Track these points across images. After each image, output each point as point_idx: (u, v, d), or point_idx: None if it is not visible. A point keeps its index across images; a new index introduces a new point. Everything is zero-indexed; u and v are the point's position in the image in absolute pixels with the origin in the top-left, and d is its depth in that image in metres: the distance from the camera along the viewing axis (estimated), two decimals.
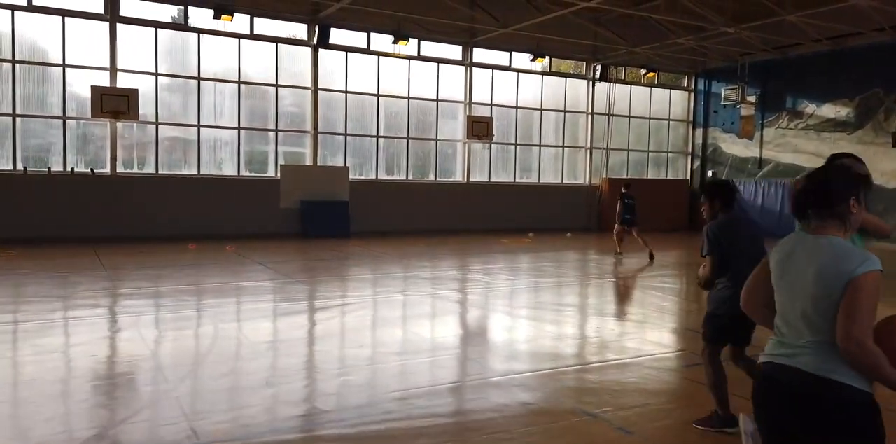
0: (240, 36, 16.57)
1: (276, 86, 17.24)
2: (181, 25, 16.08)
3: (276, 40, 17.06)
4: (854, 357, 2.10)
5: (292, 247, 14.77)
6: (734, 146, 22.22)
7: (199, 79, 16.35)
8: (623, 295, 9.41)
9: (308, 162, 17.87)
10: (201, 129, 16.54)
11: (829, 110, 19.25)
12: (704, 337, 4.25)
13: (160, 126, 16.13)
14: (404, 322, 7.54)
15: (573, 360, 5.83)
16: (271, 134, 17.51)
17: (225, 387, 4.85)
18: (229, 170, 17.05)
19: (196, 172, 16.57)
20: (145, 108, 15.52)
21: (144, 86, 15.56)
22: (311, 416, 4.27)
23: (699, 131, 23.40)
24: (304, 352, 6.00)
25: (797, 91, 20.11)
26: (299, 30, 17.37)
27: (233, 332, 6.63)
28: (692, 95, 23.57)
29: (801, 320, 2.25)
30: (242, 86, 16.88)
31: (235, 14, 15.66)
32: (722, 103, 21.92)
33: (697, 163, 23.47)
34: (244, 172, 17.23)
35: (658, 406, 4.63)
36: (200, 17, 15.96)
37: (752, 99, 21.10)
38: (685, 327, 7.39)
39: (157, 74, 15.93)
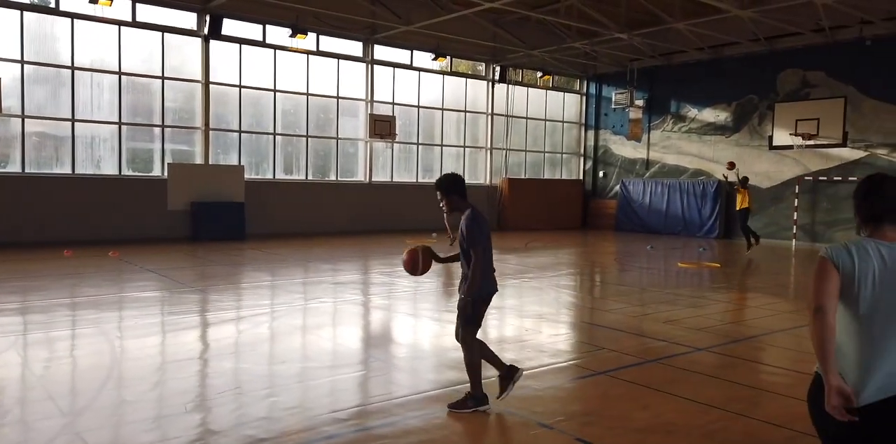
0: (120, 23, 15.19)
1: (163, 78, 15.98)
2: (50, 9, 14.49)
3: (162, 29, 15.80)
4: None
5: (184, 252, 13.70)
6: (623, 148, 23.23)
7: (72, 68, 14.82)
8: (537, 295, 9.41)
9: (198, 160, 16.71)
10: (76, 123, 15.00)
11: (710, 115, 20.56)
12: (466, 320, 4.37)
13: (26, 120, 14.46)
14: (324, 332, 7.07)
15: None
16: (157, 130, 16.20)
17: (137, 417, 4.22)
18: (109, 169, 15.60)
19: (70, 172, 15.01)
20: (9, 99, 13.85)
21: (8, 75, 13.87)
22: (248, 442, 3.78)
23: (591, 133, 24.27)
24: (222, 370, 5.41)
25: (681, 96, 21.32)
26: (188, 19, 16.18)
27: (134, 351, 5.89)
28: (584, 98, 24.41)
29: None
30: (123, 77, 15.48)
31: None
32: (612, 107, 22.84)
33: (590, 164, 24.34)
34: (126, 172, 15.83)
35: (607, 413, 4.52)
36: (74, 0, 14.46)
37: (639, 103, 22.14)
38: (607, 325, 7.44)
39: (22, 62, 14.26)
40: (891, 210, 2.35)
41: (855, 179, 17.26)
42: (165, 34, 15.86)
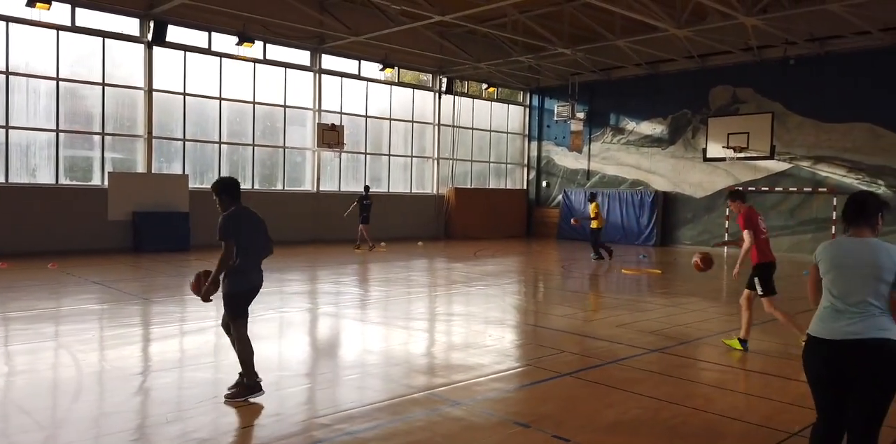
0: (59, 27, 14.69)
1: (103, 85, 15.52)
2: None
3: (104, 34, 15.37)
4: None
5: (127, 263, 13.31)
6: (565, 158, 23.94)
7: (6, 73, 14.23)
8: (494, 301, 9.66)
9: (141, 169, 16.28)
10: (10, 130, 14.39)
11: (647, 128, 21.48)
12: (233, 314, 4.77)
13: None
14: (289, 341, 7.09)
15: (482, 370, 5.84)
16: (97, 138, 15.71)
17: (118, 428, 4.18)
18: (46, 178, 15.01)
19: (3, 180, 14.37)
20: None
21: None
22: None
23: (534, 144, 24.91)
24: (196, 380, 5.38)
25: (620, 109, 22.19)
26: (130, 24, 15.79)
27: (100, 363, 5.78)
28: (528, 110, 25.05)
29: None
30: (61, 84, 14.96)
31: (54, 2, 13.87)
32: (554, 119, 23.54)
33: (533, 174, 24.95)
34: (64, 181, 15.26)
35: (577, 411, 4.78)
36: (9, 2, 13.92)
37: (580, 115, 22.92)
38: (563, 329, 7.75)
39: None
40: (851, 217, 3.33)
41: (780, 189, 18.40)
42: (106, 40, 15.43)
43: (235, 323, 4.80)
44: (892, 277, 3.10)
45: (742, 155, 18.50)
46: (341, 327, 7.89)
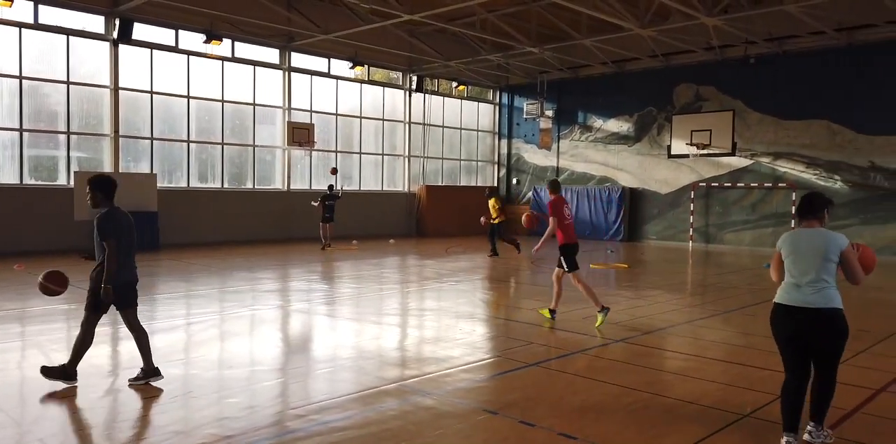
0: (21, 24, 14.45)
1: (68, 83, 15.31)
2: None
3: (67, 32, 15.15)
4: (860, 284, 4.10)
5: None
6: (535, 156, 24.26)
7: None
8: (465, 296, 9.85)
9: (108, 169, 16.08)
10: None
11: (614, 125, 21.88)
12: (94, 308, 5.08)
13: None
14: (262, 338, 7.17)
15: (452, 361, 6.02)
16: (62, 137, 15.49)
17: (95, 422, 4.25)
18: (9, 177, 14.77)
19: None
20: None
21: None
22: (217, 442, 3.94)
23: (504, 142, 25.18)
24: (170, 376, 5.44)
25: (587, 107, 22.56)
26: (95, 22, 15.59)
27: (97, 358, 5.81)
28: (497, 108, 25.30)
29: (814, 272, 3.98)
30: (25, 82, 14.72)
31: None
32: (524, 117, 23.82)
33: (504, 171, 25.23)
34: (28, 180, 15.03)
35: (543, 398, 4.98)
36: None
37: (549, 113, 23.24)
38: (532, 322, 7.96)
39: None
40: (802, 212, 4.18)
41: (743, 185, 18.93)
42: (71, 37, 15.22)
43: (88, 315, 5.09)
44: (836, 257, 3.95)
45: (705, 152, 18.98)
46: (313, 324, 7.99)
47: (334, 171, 17.10)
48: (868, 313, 8.83)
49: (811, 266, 3.97)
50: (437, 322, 8.00)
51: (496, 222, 15.48)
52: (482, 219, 15.73)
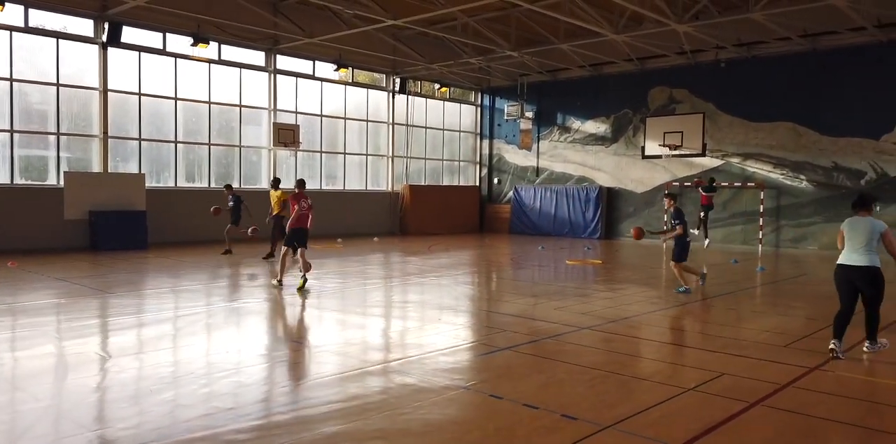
0: (12, 28, 14.77)
1: (58, 85, 15.64)
2: None
3: (57, 35, 15.49)
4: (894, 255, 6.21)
5: (86, 261, 13.55)
6: (516, 156, 24.87)
7: None
8: (445, 291, 10.39)
9: (97, 169, 16.44)
10: None
11: (591, 126, 22.55)
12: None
13: None
14: (252, 328, 7.66)
15: (432, 347, 6.56)
16: (52, 138, 15.81)
17: (82, 410, 4.74)
18: (1, 177, 15.07)
19: None
20: None
21: None
22: (212, 415, 4.43)
23: (486, 142, 25.77)
24: (169, 363, 5.94)
25: (566, 109, 23.21)
26: (85, 25, 15.93)
27: (91, 348, 6.27)
28: (479, 109, 25.87)
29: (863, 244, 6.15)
30: (15, 84, 15.04)
31: (7, 3, 13.98)
32: (505, 118, 24.43)
33: (485, 171, 25.82)
34: (19, 180, 15.34)
35: (512, 376, 5.54)
36: None
37: (529, 115, 23.85)
38: (507, 312, 8.53)
39: None
40: (855, 206, 6.37)
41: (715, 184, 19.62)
42: (61, 40, 15.55)
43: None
44: (878, 235, 6.13)
45: (676, 152, 19.68)
46: (299, 315, 8.49)
47: (217, 211, 14.52)
48: (817, 305, 9.50)
49: (861, 241, 6.12)
50: (419, 313, 8.54)
51: (274, 215, 13.95)
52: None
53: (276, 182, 14.44)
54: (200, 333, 7.31)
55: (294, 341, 6.94)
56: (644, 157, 20.81)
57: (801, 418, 4.54)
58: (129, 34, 16.41)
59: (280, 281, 10.09)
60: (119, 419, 4.33)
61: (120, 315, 8.04)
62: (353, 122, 21.97)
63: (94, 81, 16.21)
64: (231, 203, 14.93)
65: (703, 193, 17.89)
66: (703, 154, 19.47)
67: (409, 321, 8.17)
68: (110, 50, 16.26)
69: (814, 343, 6.86)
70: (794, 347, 6.70)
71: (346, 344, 6.75)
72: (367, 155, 22.52)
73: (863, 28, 16.19)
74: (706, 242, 17.59)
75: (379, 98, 22.69)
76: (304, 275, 9.90)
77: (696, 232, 17.44)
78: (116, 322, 7.68)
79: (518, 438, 4.11)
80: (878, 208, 6.57)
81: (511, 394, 4.99)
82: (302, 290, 9.69)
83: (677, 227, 10.07)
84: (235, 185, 19.17)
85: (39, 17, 15.16)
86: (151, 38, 17.03)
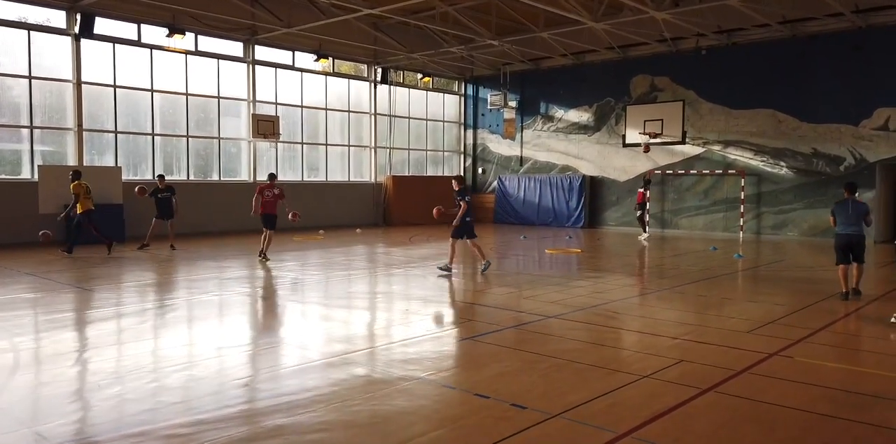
0: None
1: (30, 77, 15.42)
2: None
3: (28, 27, 15.25)
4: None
5: (60, 255, 13.41)
6: (500, 146, 24.79)
7: None
8: (419, 281, 10.35)
9: (72, 162, 16.26)
10: None
11: (574, 115, 22.48)
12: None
13: None
14: (230, 319, 7.61)
15: (394, 337, 6.53)
16: (25, 131, 15.62)
17: (62, 394, 4.69)
18: None
19: None
20: None
21: None
22: (157, 409, 4.38)
23: (470, 132, 25.67)
24: (136, 353, 5.88)
25: (549, 98, 23.12)
26: (56, 16, 15.69)
27: (39, 343, 6.20)
28: (463, 99, 25.75)
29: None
30: None
31: None
32: (488, 107, 24.33)
33: (469, 161, 25.74)
34: None
35: (468, 366, 5.52)
36: None
37: (513, 104, 23.76)
38: (475, 303, 8.51)
39: None
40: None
41: (695, 171, 19.66)
42: (33, 33, 15.32)
43: None
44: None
45: (656, 141, 19.66)
46: (268, 307, 8.43)
47: (142, 191, 14.06)
48: (788, 291, 9.53)
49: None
50: (388, 304, 8.49)
51: (82, 212, 13.14)
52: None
53: (76, 174, 13.17)
54: (161, 326, 7.24)
55: (257, 333, 6.89)
56: (625, 145, 20.78)
57: (751, 403, 4.53)
58: (103, 25, 16.18)
59: (262, 253, 12.65)
60: (61, 415, 4.28)
61: (82, 310, 7.96)
62: (335, 113, 21.81)
63: (68, 74, 16.00)
64: (161, 195, 14.19)
65: (639, 190, 18.28)
66: (683, 142, 19.45)
67: (376, 312, 8.13)
68: (83, 42, 16.03)
69: (777, 329, 6.87)
70: (757, 333, 6.71)
71: (310, 336, 6.71)
72: (349, 146, 22.39)
73: (840, 14, 16.16)
74: (644, 236, 18.16)
75: (361, 88, 22.52)
76: (264, 252, 12.56)
77: (644, 236, 17.90)
78: (77, 317, 7.60)
79: (463, 428, 4.08)
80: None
81: (465, 384, 4.97)
82: (264, 262, 12.23)
83: (461, 203, 10.99)
84: (214, 177, 19.07)
85: (9, 9, 14.90)
86: (126, 30, 16.81)
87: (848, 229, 8.48)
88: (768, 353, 5.90)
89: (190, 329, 7.21)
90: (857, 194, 8.75)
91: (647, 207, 19.06)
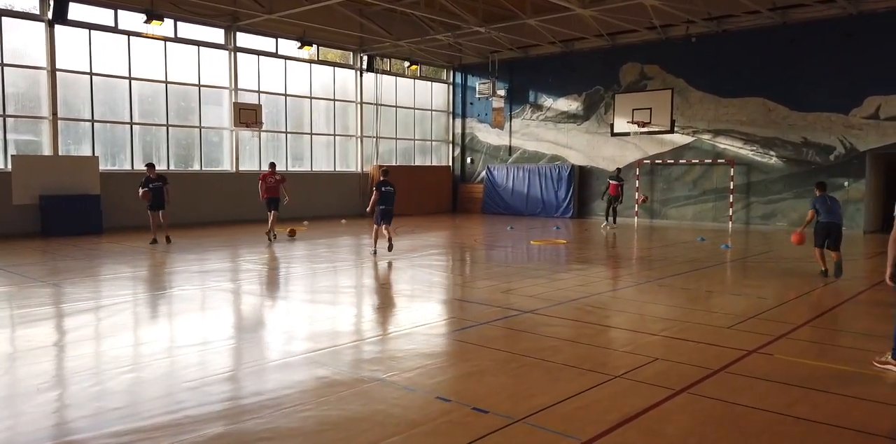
0: None
1: (2, 65, 14.99)
2: None
3: None
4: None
5: (33, 248, 13.09)
6: (489, 135, 24.47)
7: None
8: (397, 274, 10.09)
9: (46, 152, 15.88)
10: None
11: (563, 104, 22.16)
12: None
13: None
14: (205, 314, 7.33)
15: (360, 335, 6.27)
16: None
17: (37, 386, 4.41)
18: None
19: None
20: None
21: None
22: (96, 415, 4.12)
23: (458, 121, 25.32)
24: (78, 355, 5.60)
25: (537, 87, 22.78)
26: (28, 1, 15.24)
27: (7, 339, 5.92)
28: (451, 87, 25.37)
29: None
30: None
31: None
32: (477, 96, 23.96)
33: (458, 150, 25.41)
34: None
35: (434, 366, 5.27)
36: None
37: (501, 93, 23.40)
38: (452, 297, 8.26)
39: None
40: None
41: (684, 161, 19.40)
42: (3, 18, 14.87)
43: None
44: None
45: (645, 130, 19.38)
46: (235, 303, 8.16)
47: (146, 195, 13.63)
48: (773, 283, 9.31)
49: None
50: (358, 299, 8.23)
51: None
52: None
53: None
54: (120, 324, 6.95)
55: (219, 332, 6.61)
56: (613, 134, 20.48)
57: (725, 406, 4.30)
58: (78, 11, 15.73)
59: (271, 234, 14.28)
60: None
61: (43, 305, 7.66)
62: (320, 101, 21.42)
63: (42, 61, 15.56)
64: (153, 185, 13.57)
65: (612, 182, 17.96)
66: (671, 131, 19.18)
67: (345, 308, 7.86)
68: (57, 28, 15.58)
69: (759, 324, 6.64)
70: (738, 328, 6.48)
71: (272, 333, 6.44)
72: (334, 135, 22.02)
73: (832, 0, 15.85)
74: (606, 223, 18.31)
75: (346, 76, 22.12)
76: (272, 230, 14.27)
77: (607, 225, 17.73)
78: (36, 313, 7.30)
79: (416, 436, 3.83)
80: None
81: (427, 386, 4.71)
82: (272, 241, 14.08)
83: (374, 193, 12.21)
84: (196, 167, 18.70)
85: None
86: (102, 15, 16.35)
87: (829, 218, 9.35)
88: (748, 350, 5.67)
89: (149, 327, 6.93)
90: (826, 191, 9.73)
91: (621, 200, 18.37)
